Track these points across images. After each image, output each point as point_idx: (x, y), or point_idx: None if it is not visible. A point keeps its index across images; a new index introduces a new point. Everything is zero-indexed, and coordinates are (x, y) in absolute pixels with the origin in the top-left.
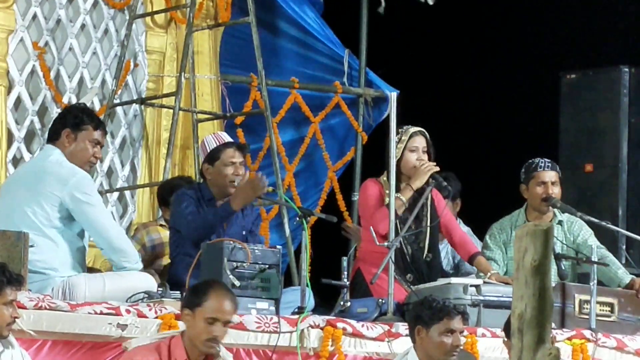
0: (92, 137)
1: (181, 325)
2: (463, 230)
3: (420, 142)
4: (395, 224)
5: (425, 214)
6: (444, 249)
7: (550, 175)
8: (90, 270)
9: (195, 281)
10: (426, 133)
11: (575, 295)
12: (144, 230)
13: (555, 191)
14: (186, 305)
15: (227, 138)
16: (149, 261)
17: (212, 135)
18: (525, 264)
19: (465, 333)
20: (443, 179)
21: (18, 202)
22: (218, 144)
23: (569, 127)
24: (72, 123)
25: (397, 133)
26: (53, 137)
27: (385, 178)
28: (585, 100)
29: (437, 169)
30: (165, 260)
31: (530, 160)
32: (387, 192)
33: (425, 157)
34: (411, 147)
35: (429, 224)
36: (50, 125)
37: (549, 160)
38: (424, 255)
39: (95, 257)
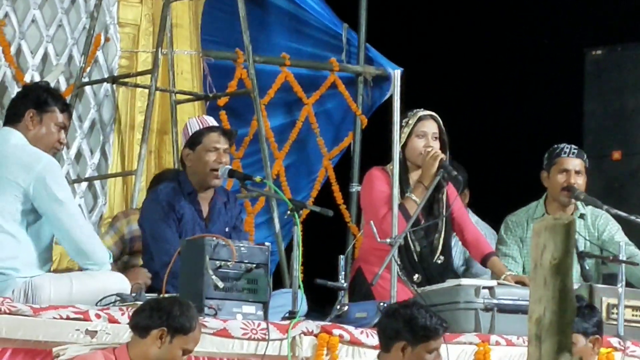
0: (57, 120)
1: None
2: (473, 220)
3: (430, 127)
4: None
5: (440, 209)
6: (454, 246)
7: (574, 163)
8: (56, 270)
9: (174, 281)
10: (438, 118)
11: (602, 299)
12: (124, 220)
13: (579, 182)
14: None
15: (213, 122)
16: (128, 254)
17: (196, 118)
18: (543, 262)
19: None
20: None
21: None
22: (201, 127)
23: (594, 110)
24: (36, 103)
25: (405, 116)
26: (13, 119)
27: (392, 167)
28: (612, 80)
29: (443, 156)
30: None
31: (556, 145)
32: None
33: (436, 144)
34: (418, 132)
35: (443, 221)
36: (9, 106)
37: (575, 147)
38: (436, 257)
39: (61, 256)
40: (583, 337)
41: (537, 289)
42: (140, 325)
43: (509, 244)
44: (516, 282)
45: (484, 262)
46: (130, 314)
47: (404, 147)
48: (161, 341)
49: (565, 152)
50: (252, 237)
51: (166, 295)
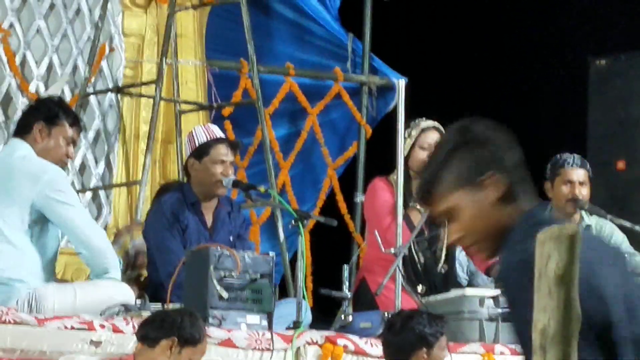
0: (66, 134)
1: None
2: None
3: (432, 139)
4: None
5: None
6: (457, 256)
7: (578, 174)
8: (61, 281)
9: (178, 291)
10: (441, 129)
11: None
12: (127, 235)
13: (584, 192)
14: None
15: (219, 132)
16: (133, 268)
17: (202, 127)
18: (548, 272)
19: None
20: None
21: None
22: (208, 137)
23: (598, 119)
24: (46, 116)
25: (408, 126)
26: (22, 131)
27: (395, 177)
28: (616, 89)
29: None
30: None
31: (558, 156)
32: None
33: None
34: (422, 144)
35: (446, 230)
36: (20, 118)
37: (578, 157)
38: (439, 267)
39: (65, 266)
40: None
41: (542, 299)
42: (149, 335)
43: None
44: None
45: (488, 271)
46: (136, 324)
47: (407, 157)
48: (170, 352)
49: (568, 163)
50: (258, 248)
51: (171, 305)
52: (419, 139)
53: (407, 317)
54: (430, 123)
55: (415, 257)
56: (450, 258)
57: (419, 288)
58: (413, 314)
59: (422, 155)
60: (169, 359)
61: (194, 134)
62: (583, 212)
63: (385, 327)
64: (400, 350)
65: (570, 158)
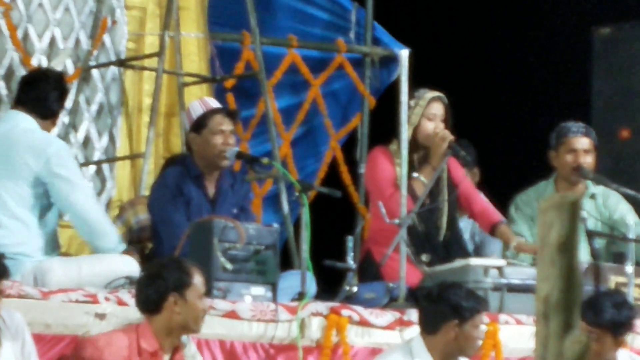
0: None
1: None
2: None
3: (438, 110)
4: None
5: (441, 188)
6: (467, 227)
7: (582, 142)
8: (65, 254)
9: None
10: (445, 99)
11: (610, 278)
12: (131, 210)
13: (588, 161)
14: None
15: (215, 104)
16: (136, 244)
17: (198, 101)
18: (550, 240)
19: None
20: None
21: None
22: (205, 110)
23: (602, 88)
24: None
25: (412, 97)
26: (36, 105)
27: (395, 147)
28: (620, 58)
29: (452, 137)
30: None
31: (563, 124)
32: (397, 161)
33: (442, 126)
34: (429, 115)
35: (446, 198)
36: (30, 89)
37: (583, 125)
38: (441, 236)
39: (70, 240)
40: (611, 338)
41: (544, 268)
42: (150, 300)
43: (519, 223)
44: (526, 251)
45: (493, 231)
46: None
47: (415, 128)
48: (177, 305)
49: (573, 132)
50: (260, 219)
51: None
52: (427, 110)
53: (445, 286)
54: (434, 93)
55: (417, 226)
56: (452, 226)
57: (424, 257)
58: (452, 285)
59: (429, 126)
60: (180, 314)
61: (190, 108)
62: (589, 182)
63: (422, 294)
64: (432, 319)
65: (574, 127)
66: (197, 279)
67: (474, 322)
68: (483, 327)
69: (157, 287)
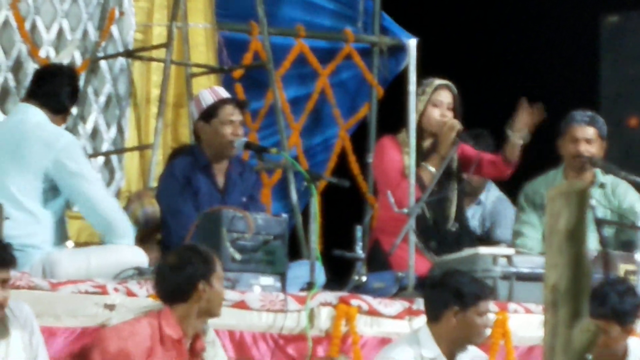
0: None
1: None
2: (496, 193)
3: (445, 97)
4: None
5: (451, 177)
6: (476, 213)
7: (585, 131)
8: (74, 245)
9: None
10: (453, 88)
11: (620, 266)
12: (137, 202)
13: (592, 150)
14: None
15: (225, 93)
16: (143, 236)
17: (208, 90)
18: (559, 228)
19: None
20: (474, 137)
21: None
22: (215, 99)
23: (610, 77)
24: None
25: (420, 85)
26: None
27: (404, 136)
28: (628, 46)
29: (460, 126)
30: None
31: (571, 112)
32: (405, 150)
33: (450, 114)
34: (435, 102)
35: (455, 187)
36: (41, 83)
37: (589, 114)
38: (450, 224)
39: (79, 231)
40: (618, 327)
41: (553, 256)
42: (179, 289)
43: (528, 212)
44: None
45: (503, 157)
46: (149, 287)
47: (421, 115)
48: (205, 293)
49: (577, 121)
50: (269, 209)
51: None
52: (433, 96)
53: (448, 273)
54: (442, 81)
55: (425, 214)
56: (461, 216)
57: (431, 244)
58: (456, 271)
59: (435, 113)
60: (206, 300)
61: (200, 97)
62: (597, 170)
63: (427, 280)
64: (434, 306)
65: (579, 115)
66: (219, 265)
67: (477, 309)
68: (490, 316)
69: (186, 276)
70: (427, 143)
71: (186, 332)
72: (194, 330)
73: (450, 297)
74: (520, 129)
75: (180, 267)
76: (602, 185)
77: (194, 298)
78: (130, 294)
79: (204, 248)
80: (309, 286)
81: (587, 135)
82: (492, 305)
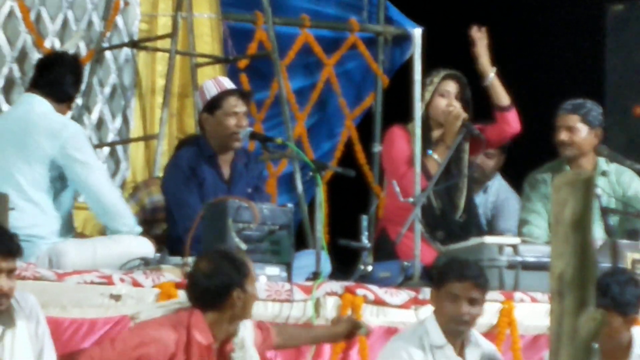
0: None
1: (182, 295)
2: (501, 183)
3: (452, 87)
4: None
5: (461, 167)
6: (480, 202)
7: (566, 119)
8: (80, 236)
9: (197, 245)
10: (462, 77)
11: (627, 254)
12: (145, 190)
13: (575, 139)
14: None
15: (229, 84)
16: (149, 224)
17: (212, 80)
18: (564, 217)
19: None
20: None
21: (1, 160)
22: (219, 90)
23: (615, 65)
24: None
25: (429, 75)
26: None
27: (413, 126)
28: (633, 34)
29: (465, 115)
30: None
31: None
32: (415, 140)
33: (457, 104)
34: (441, 92)
35: (466, 176)
36: (45, 73)
37: (575, 102)
38: (458, 215)
39: (85, 222)
40: (620, 317)
41: (559, 245)
42: (214, 296)
43: (534, 200)
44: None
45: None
46: (155, 277)
47: (427, 105)
48: (239, 299)
49: (562, 109)
50: (275, 199)
51: (190, 259)
52: (440, 86)
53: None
54: (452, 71)
55: (433, 203)
56: (470, 207)
57: (438, 234)
58: (451, 256)
59: (441, 103)
60: (242, 308)
61: (204, 88)
62: (601, 159)
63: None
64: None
65: (566, 104)
66: (251, 267)
67: (447, 289)
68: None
69: (220, 285)
70: (435, 133)
71: (217, 338)
72: (225, 334)
73: (435, 280)
74: (484, 66)
75: (213, 275)
76: (604, 173)
77: (227, 305)
78: (136, 284)
79: (235, 252)
80: (315, 276)
81: (568, 122)
82: (497, 295)
